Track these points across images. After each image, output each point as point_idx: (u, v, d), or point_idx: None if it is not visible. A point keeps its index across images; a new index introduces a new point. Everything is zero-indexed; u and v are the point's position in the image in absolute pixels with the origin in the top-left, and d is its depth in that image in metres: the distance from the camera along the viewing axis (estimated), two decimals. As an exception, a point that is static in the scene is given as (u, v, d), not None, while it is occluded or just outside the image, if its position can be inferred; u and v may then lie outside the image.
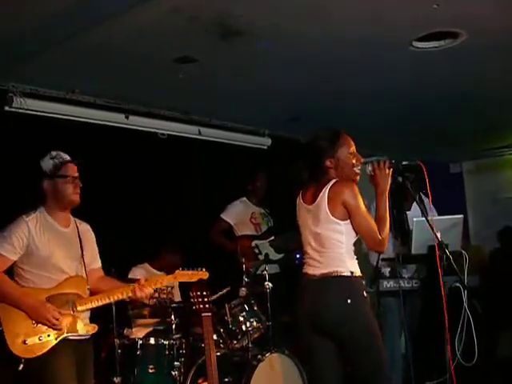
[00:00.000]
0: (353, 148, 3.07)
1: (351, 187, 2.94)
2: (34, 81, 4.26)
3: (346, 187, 2.94)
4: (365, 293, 2.96)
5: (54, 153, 3.12)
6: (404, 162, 3.10)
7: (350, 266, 2.96)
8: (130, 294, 3.10)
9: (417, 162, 3.15)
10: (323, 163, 3.03)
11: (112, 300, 3.10)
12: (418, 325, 4.23)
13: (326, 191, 2.96)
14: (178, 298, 4.74)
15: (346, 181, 2.99)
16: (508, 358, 5.55)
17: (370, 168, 3.07)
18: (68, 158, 3.15)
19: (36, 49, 3.65)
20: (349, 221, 2.94)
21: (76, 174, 3.13)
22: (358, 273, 2.97)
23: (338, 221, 2.94)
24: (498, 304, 5.35)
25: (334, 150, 3.03)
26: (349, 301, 2.87)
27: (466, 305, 3.68)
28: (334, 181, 2.98)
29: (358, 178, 3.06)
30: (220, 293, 4.13)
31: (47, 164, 3.10)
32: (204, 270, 3.39)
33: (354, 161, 3.05)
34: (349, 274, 2.94)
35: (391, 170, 3.03)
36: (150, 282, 3.20)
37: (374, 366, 2.91)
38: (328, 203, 2.94)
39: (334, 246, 2.97)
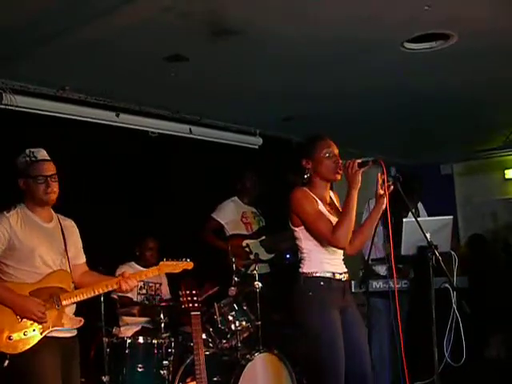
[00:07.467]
0: (330, 150, 3.11)
1: (294, 194, 3.07)
2: (24, 78, 4.23)
3: (292, 195, 3.08)
4: (310, 293, 3.05)
5: (28, 151, 3.03)
6: (358, 160, 3.01)
7: (308, 267, 3.10)
8: (115, 287, 3.09)
9: (370, 159, 3.04)
10: (300, 163, 3.14)
11: (97, 293, 3.07)
12: (406, 325, 4.24)
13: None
14: (167, 295, 4.73)
15: (295, 188, 3.11)
16: (496, 358, 5.59)
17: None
18: (42, 156, 3.04)
19: (26, 46, 3.62)
20: (303, 227, 3.09)
21: (49, 173, 3.01)
22: (313, 274, 3.07)
23: (294, 228, 3.13)
24: (486, 305, 5.37)
25: (311, 151, 3.13)
26: (296, 299, 3.09)
27: (454, 306, 3.69)
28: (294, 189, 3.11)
29: (339, 177, 3.11)
30: (208, 292, 4.13)
31: (21, 162, 3.03)
32: (189, 260, 3.41)
33: (330, 162, 3.09)
34: (303, 273, 3.09)
35: (360, 169, 2.98)
36: (135, 274, 3.21)
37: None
38: (289, 212, 3.12)
39: (299, 250, 3.17)
